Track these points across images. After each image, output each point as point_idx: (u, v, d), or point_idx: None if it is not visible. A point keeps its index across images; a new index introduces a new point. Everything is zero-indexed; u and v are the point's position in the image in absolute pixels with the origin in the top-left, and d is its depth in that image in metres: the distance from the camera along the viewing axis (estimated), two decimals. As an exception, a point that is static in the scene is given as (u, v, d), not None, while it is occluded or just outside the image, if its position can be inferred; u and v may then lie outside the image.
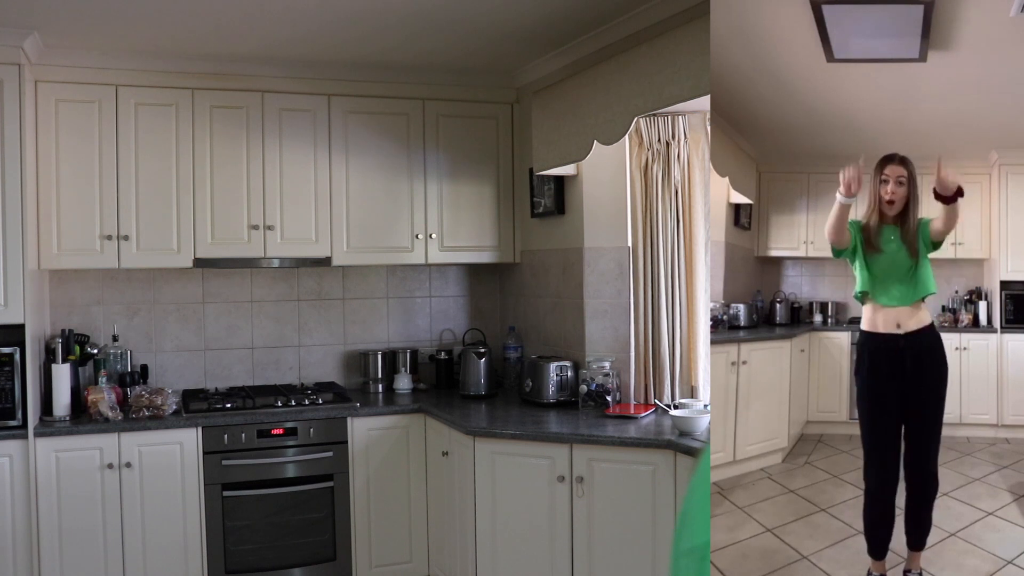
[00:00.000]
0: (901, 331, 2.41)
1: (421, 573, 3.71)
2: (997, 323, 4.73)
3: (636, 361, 3.49)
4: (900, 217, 2.39)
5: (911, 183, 2.36)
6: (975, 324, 4.83)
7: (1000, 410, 4.69)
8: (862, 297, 2.50)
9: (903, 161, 2.37)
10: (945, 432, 4.68)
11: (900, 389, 2.41)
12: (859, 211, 2.48)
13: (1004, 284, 4.68)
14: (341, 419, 3.61)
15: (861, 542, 2.60)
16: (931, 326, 2.45)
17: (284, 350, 4.13)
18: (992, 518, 3.22)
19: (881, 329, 2.43)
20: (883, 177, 2.37)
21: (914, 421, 2.43)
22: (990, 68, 3.05)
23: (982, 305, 4.85)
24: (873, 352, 2.44)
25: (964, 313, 4.86)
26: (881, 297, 2.42)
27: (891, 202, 2.36)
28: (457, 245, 4.04)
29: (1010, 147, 4.52)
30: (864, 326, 2.49)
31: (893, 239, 2.39)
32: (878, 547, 2.53)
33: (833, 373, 4.86)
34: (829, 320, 5.14)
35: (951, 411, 4.73)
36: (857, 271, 2.48)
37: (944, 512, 3.25)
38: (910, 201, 2.37)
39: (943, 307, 4.96)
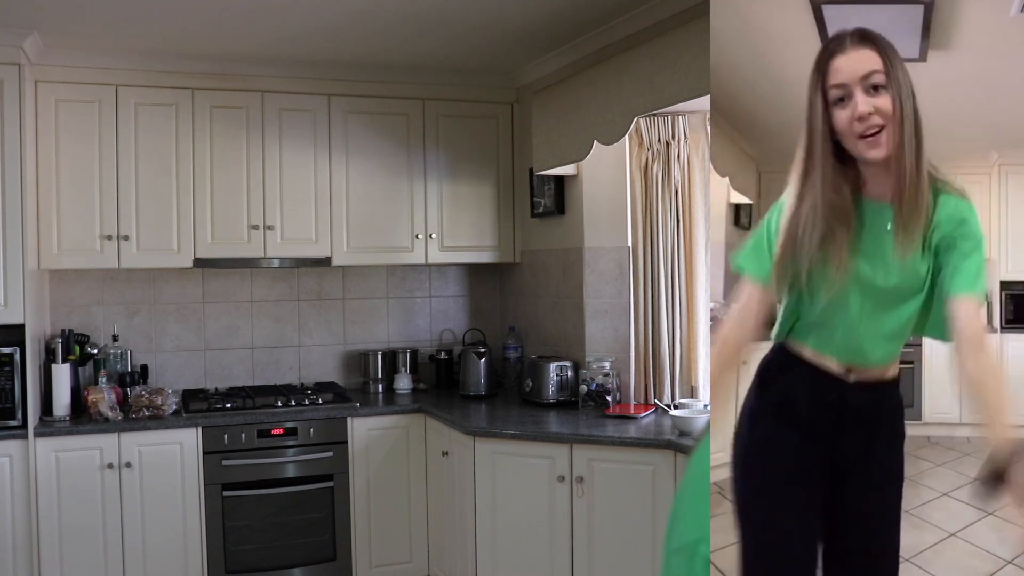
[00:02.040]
0: (851, 377, 1.37)
1: (421, 573, 3.71)
2: (997, 323, 4.73)
3: (636, 361, 3.49)
4: (892, 167, 1.21)
5: (896, 85, 1.19)
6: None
7: (1000, 410, 4.68)
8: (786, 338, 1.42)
9: (866, 37, 1.23)
10: (945, 432, 4.69)
11: (830, 469, 1.37)
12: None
13: (1004, 284, 4.69)
14: (341, 419, 3.61)
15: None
16: (895, 380, 1.42)
17: (284, 350, 4.13)
18: (992, 518, 3.22)
19: (824, 364, 1.39)
20: (834, 85, 1.22)
21: (851, 531, 1.37)
22: (990, 68, 3.05)
23: (982, 305, 4.86)
24: (791, 392, 1.40)
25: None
26: (835, 346, 1.35)
27: (868, 135, 1.19)
28: (457, 245, 4.04)
29: (1010, 147, 4.53)
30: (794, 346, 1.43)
31: (888, 224, 1.25)
32: None
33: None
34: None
35: (951, 411, 4.73)
36: (786, 306, 1.39)
37: (944, 512, 3.25)
38: (904, 127, 1.18)
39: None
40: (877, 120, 1.19)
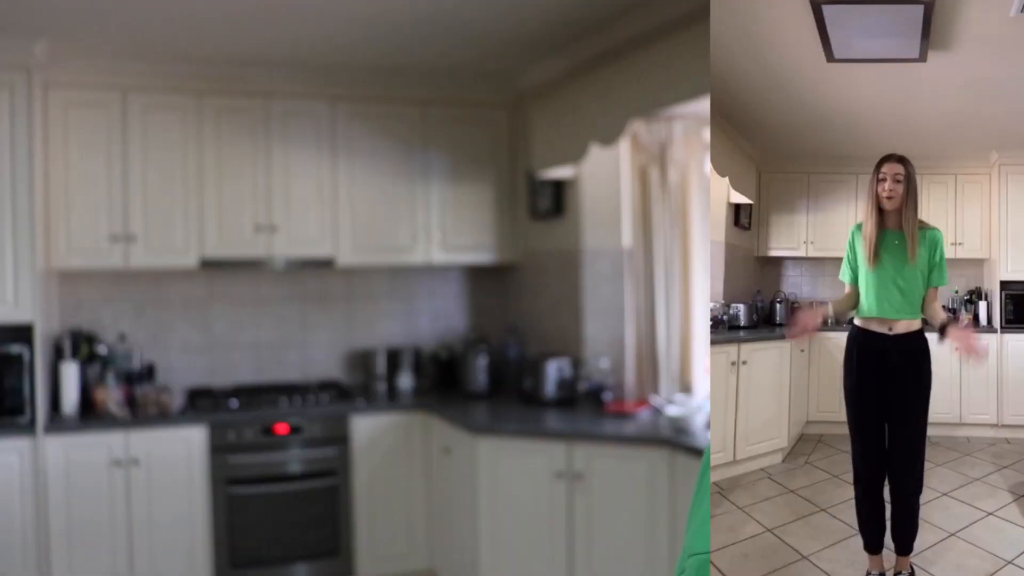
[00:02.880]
0: (891, 332, 2.49)
1: (422, 568, 3.75)
2: (997, 323, 4.72)
3: (633, 360, 3.52)
4: (899, 216, 2.41)
5: (908, 181, 2.38)
6: (975, 324, 4.83)
7: (1000, 410, 4.68)
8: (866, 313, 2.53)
9: (901, 160, 2.39)
10: (945, 432, 4.69)
11: (883, 385, 2.47)
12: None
13: (1004, 284, 4.66)
14: (344, 417, 3.65)
15: (860, 542, 2.61)
16: (920, 331, 2.49)
17: (289, 349, 4.17)
18: (992, 518, 3.22)
19: (873, 328, 2.52)
20: (880, 175, 2.39)
21: (895, 418, 2.49)
22: (990, 68, 3.06)
23: (982, 305, 4.85)
24: (861, 345, 2.54)
25: (964, 313, 4.86)
26: (885, 310, 2.44)
27: (890, 198, 2.38)
28: (458, 246, 4.07)
29: (1010, 147, 4.51)
30: (857, 321, 2.60)
31: (897, 243, 2.40)
32: (871, 540, 2.56)
33: (833, 373, 4.85)
34: (829, 320, 5.13)
35: (951, 411, 4.73)
36: (863, 288, 2.50)
37: (944, 512, 3.25)
38: (907, 199, 2.39)
39: (943, 307, 4.95)
40: (893, 194, 2.36)
